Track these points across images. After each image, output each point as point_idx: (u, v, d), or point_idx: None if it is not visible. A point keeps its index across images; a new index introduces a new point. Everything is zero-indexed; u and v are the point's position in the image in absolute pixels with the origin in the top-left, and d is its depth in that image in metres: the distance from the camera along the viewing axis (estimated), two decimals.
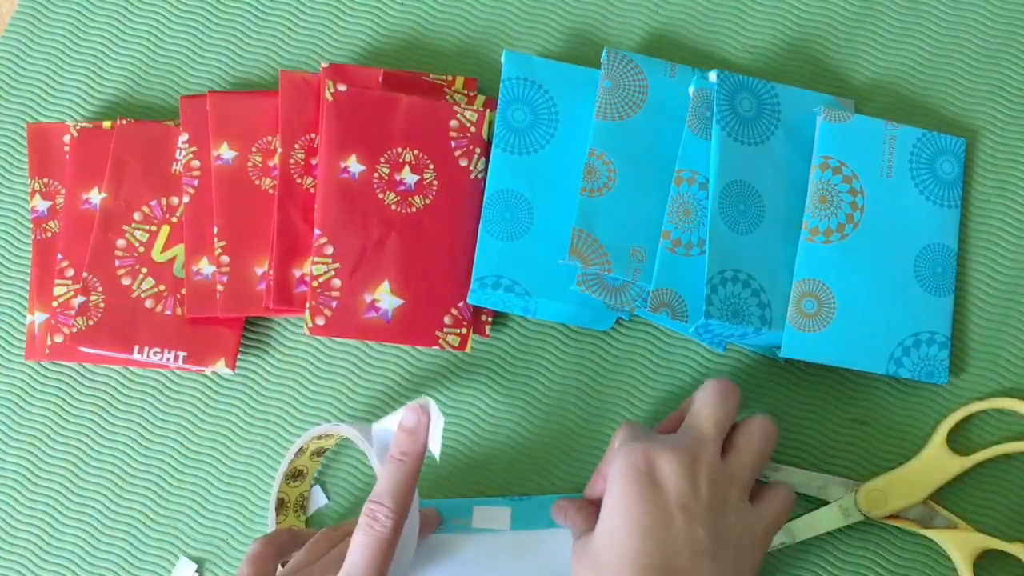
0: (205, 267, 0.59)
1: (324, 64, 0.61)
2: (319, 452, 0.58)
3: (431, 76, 0.62)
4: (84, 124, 0.61)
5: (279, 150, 0.59)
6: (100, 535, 0.59)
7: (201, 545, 0.59)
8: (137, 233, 0.60)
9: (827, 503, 0.58)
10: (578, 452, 0.59)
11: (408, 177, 0.59)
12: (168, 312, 0.59)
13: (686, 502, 0.48)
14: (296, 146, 0.60)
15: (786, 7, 0.64)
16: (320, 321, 0.57)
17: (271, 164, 0.60)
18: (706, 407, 0.52)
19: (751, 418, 0.53)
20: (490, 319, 0.60)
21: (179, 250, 0.60)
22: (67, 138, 0.61)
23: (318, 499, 0.59)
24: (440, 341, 0.58)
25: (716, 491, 0.49)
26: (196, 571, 0.58)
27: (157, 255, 0.60)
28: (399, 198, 0.59)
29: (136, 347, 0.58)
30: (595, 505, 0.52)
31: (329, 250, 0.58)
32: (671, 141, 0.59)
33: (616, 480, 0.49)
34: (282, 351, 0.60)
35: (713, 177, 0.57)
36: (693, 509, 0.48)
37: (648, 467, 0.49)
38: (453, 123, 0.60)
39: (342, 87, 0.59)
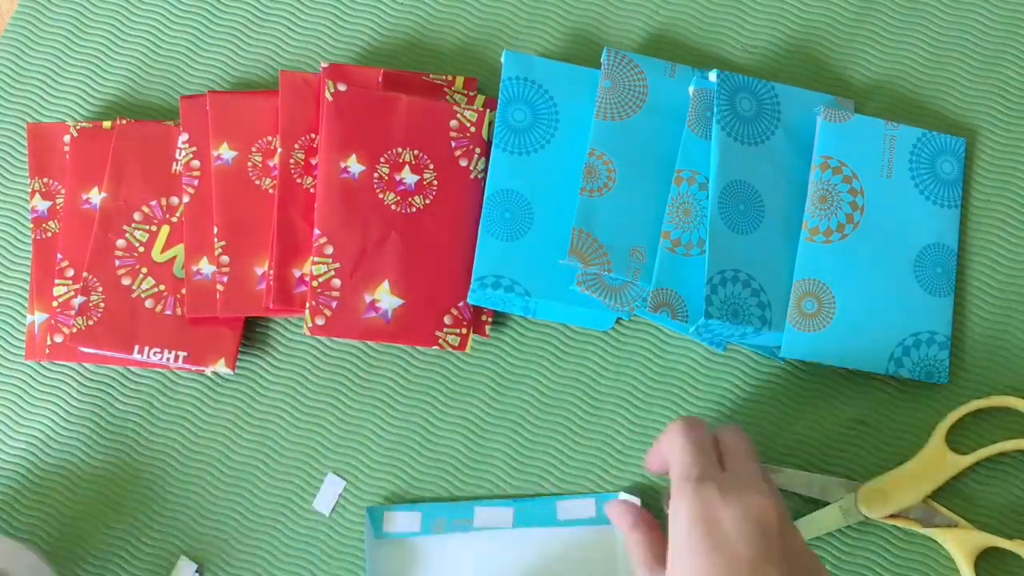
0: (205, 267, 0.59)
1: (324, 64, 0.61)
2: None
3: (431, 76, 0.62)
4: (84, 124, 0.61)
5: (279, 150, 0.59)
6: (100, 535, 0.59)
7: (201, 545, 0.59)
8: (137, 233, 0.60)
9: (827, 503, 0.58)
10: (578, 452, 0.59)
11: (408, 177, 0.59)
12: (168, 312, 0.59)
13: (756, 557, 0.44)
14: (296, 146, 0.60)
15: (786, 7, 0.64)
16: (320, 321, 0.57)
17: (271, 164, 0.60)
18: (744, 442, 0.50)
19: (735, 439, 0.51)
20: (490, 319, 0.60)
21: (179, 250, 0.60)
22: (67, 138, 0.61)
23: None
24: (440, 341, 0.58)
25: (787, 540, 0.46)
26: (196, 571, 0.58)
27: (157, 255, 0.60)
28: (399, 198, 0.59)
29: (136, 347, 0.58)
30: (661, 534, 0.51)
31: (329, 250, 0.58)
32: (671, 141, 0.59)
33: (683, 529, 0.45)
34: (282, 351, 0.60)
35: (713, 177, 0.57)
36: (765, 568, 0.44)
37: (716, 519, 0.45)
38: (453, 123, 0.60)
39: (342, 87, 0.59)
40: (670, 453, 0.49)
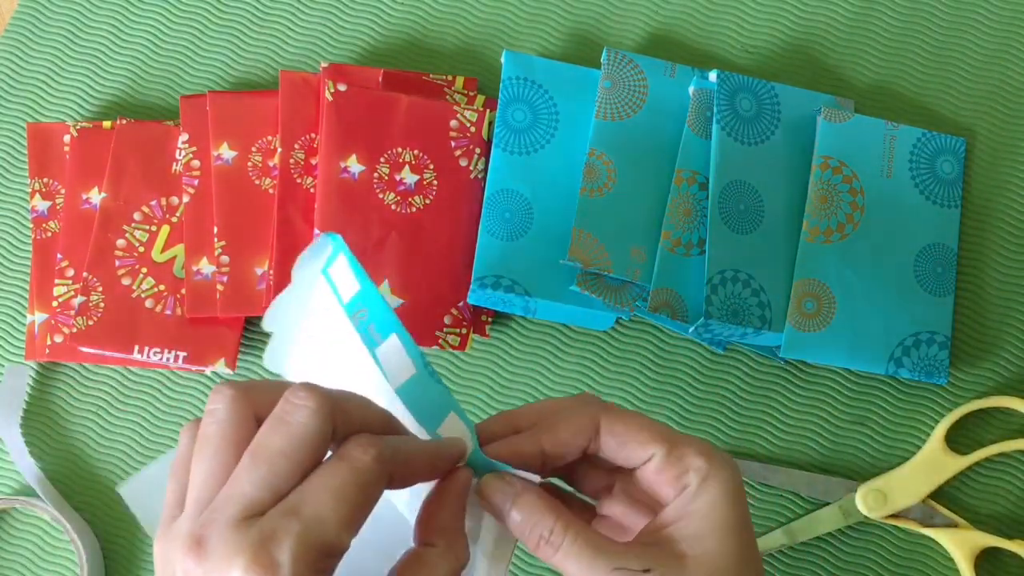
0: (205, 267, 0.59)
1: (324, 64, 0.61)
2: None
3: (431, 76, 0.62)
4: (84, 124, 0.61)
5: (279, 150, 0.59)
6: (100, 535, 0.59)
7: None
8: (137, 233, 0.60)
9: (827, 503, 0.58)
10: None
11: (408, 177, 0.59)
12: (168, 312, 0.59)
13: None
14: (296, 146, 0.60)
15: (786, 7, 0.64)
16: None
17: (271, 164, 0.60)
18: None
19: None
20: (490, 319, 0.60)
21: (179, 250, 0.60)
22: (67, 138, 0.61)
23: None
24: (440, 341, 0.58)
25: None
26: None
27: (157, 255, 0.60)
28: (399, 198, 0.59)
29: (136, 347, 0.58)
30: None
31: None
32: (671, 141, 0.59)
33: (730, 505, 0.39)
34: None
35: (713, 177, 0.57)
36: None
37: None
38: (453, 123, 0.60)
39: (342, 87, 0.59)
40: (662, 430, 0.41)
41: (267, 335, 0.62)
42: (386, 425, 0.37)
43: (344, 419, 0.35)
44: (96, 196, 0.60)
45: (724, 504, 0.38)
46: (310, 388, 0.35)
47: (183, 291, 0.59)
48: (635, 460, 0.40)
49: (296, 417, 0.34)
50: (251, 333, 0.60)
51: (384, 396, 0.40)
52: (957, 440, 0.59)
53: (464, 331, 0.58)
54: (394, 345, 0.41)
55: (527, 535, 0.39)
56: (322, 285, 0.43)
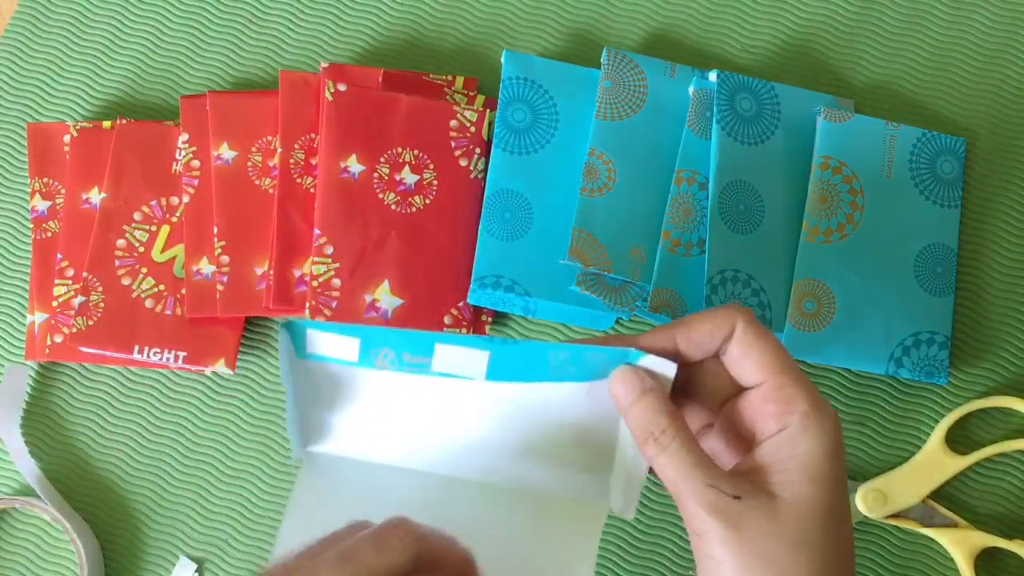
0: (205, 267, 0.59)
1: (324, 64, 0.61)
2: None
3: (431, 76, 0.62)
4: (84, 124, 0.61)
5: (279, 150, 0.59)
6: (100, 535, 0.59)
7: (201, 545, 0.59)
8: (137, 233, 0.60)
9: None
10: None
11: (408, 177, 0.59)
12: (168, 312, 0.59)
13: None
14: (296, 146, 0.60)
15: (786, 7, 0.64)
16: (320, 321, 0.57)
17: (271, 164, 0.60)
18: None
19: None
20: (490, 319, 0.60)
21: (179, 250, 0.60)
22: (67, 138, 0.61)
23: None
24: None
25: None
26: (196, 571, 0.58)
27: (157, 255, 0.60)
28: (399, 198, 0.59)
29: (136, 347, 0.58)
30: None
31: (329, 250, 0.58)
32: (671, 141, 0.59)
33: (823, 453, 0.40)
34: None
35: (713, 177, 0.57)
36: None
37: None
38: (453, 123, 0.60)
39: (342, 87, 0.59)
40: (782, 357, 0.41)
41: (268, 335, 0.62)
42: (461, 567, 0.39)
43: (429, 555, 0.37)
44: (96, 196, 0.60)
45: (821, 456, 0.39)
46: (408, 525, 0.37)
47: (183, 291, 0.59)
48: (746, 378, 0.41)
49: (394, 543, 0.36)
50: (251, 333, 0.61)
51: (476, 396, 0.41)
52: (957, 440, 0.59)
53: (464, 331, 0.58)
54: (446, 351, 0.41)
55: (640, 430, 0.40)
56: (317, 367, 0.42)
